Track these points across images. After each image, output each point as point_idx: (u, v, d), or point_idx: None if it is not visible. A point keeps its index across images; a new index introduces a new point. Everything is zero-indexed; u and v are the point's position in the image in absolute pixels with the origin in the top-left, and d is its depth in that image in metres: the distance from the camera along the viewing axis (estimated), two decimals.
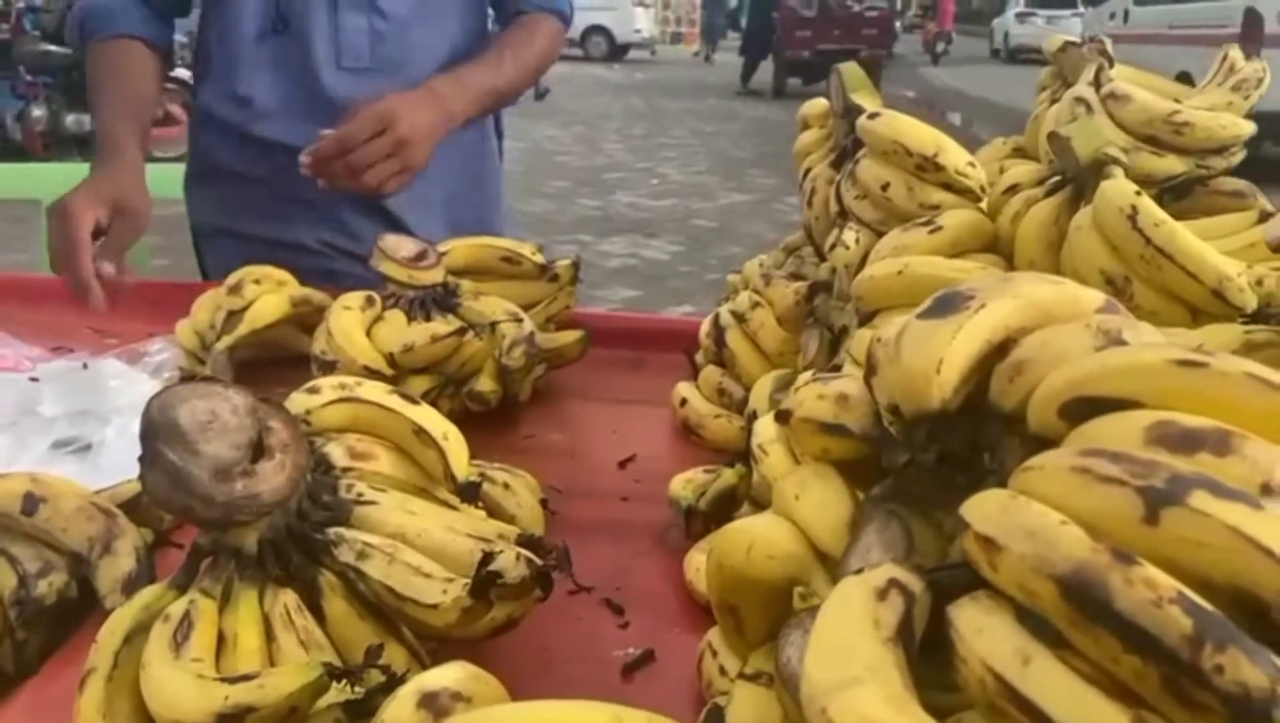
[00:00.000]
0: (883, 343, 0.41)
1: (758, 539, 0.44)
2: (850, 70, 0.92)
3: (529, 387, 1.03)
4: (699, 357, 1.05)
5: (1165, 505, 0.30)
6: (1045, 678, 0.30)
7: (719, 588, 0.47)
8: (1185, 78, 1.05)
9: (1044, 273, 0.75)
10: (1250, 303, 0.68)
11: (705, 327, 1.04)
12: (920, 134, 0.83)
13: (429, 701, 0.39)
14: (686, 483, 0.82)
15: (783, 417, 0.45)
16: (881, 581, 0.35)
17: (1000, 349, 0.39)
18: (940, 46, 19.81)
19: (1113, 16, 10.02)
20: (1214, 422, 0.34)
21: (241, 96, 1.39)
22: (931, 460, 0.40)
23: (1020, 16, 20.77)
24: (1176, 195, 0.89)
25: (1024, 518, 0.31)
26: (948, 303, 0.40)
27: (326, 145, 1.21)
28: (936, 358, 0.38)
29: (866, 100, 0.90)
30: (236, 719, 0.48)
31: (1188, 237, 0.68)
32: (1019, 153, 1.05)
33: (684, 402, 1.00)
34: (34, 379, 0.90)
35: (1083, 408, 0.36)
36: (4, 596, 0.62)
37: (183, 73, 5.68)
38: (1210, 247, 0.69)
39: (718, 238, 6.04)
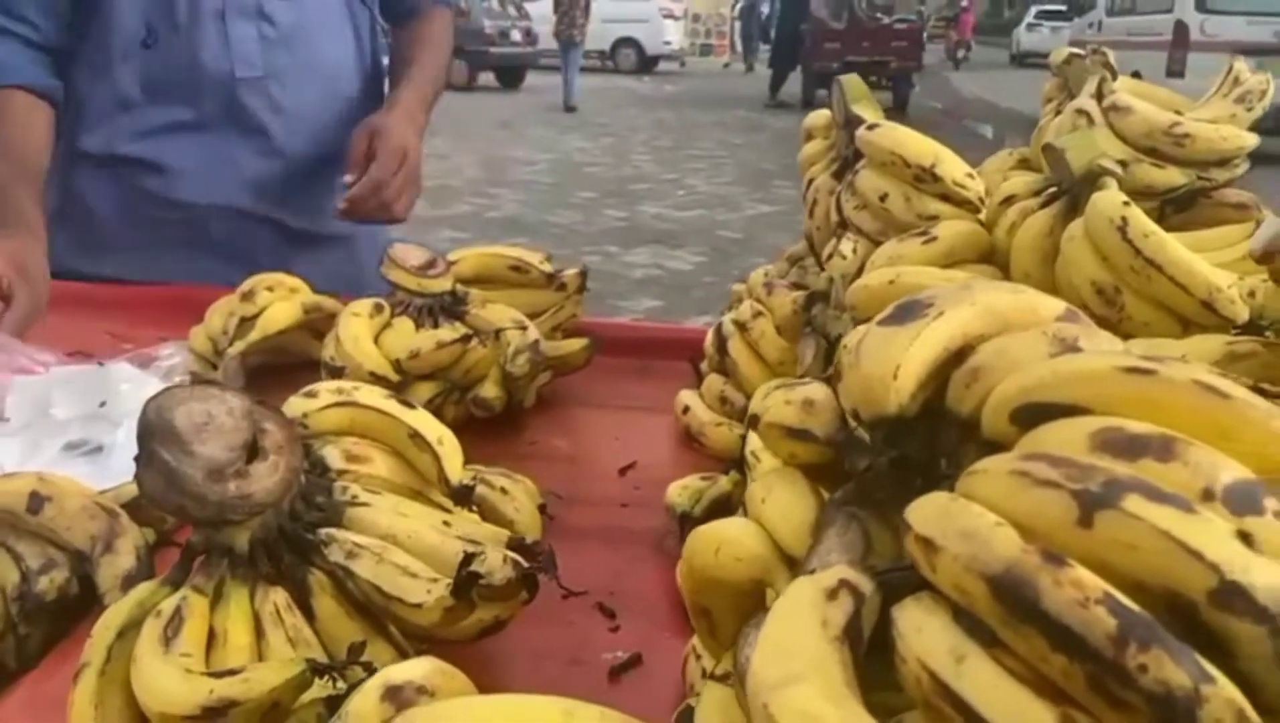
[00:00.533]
0: (847, 349, 0.42)
1: (725, 541, 0.45)
2: (851, 82, 0.93)
3: (533, 393, 1.04)
4: (704, 365, 1.06)
5: (1099, 508, 0.31)
6: (977, 677, 0.30)
7: (691, 590, 0.48)
8: (1136, 76, 1.10)
9: (1033, 284, 0.75)
10: (1241, 314, 0.68)
11: (710, 335, 1.05)
12: (918, 145, 0.84)
13: (393, 693, 0.40)
14: (683, 490, 0.83)
15: (753, 422, 0.46)
16: (832, 581, 0.36)
17: (958, 356, 0.40)
18: (960, 53, 22.58)
19: (1091, 25, 12.25)
20: (1159, 428, 0.34)
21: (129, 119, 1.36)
22: (890, 465, 0.40)
23: (1030, 26, 24.51)
24: (1179, 207, 0.89)
25: (961, 520, 0.32)
26: (907, 310, 0.41)
27: (362, 191, 1.26)
28: (894, 364, 0.39)
29: (867, 111, 0.91)
30: (221, 712, 0.49)
31: (1177, 248, 0.68)
32: (1024, 164, 1.06)
33: (686, 409, 1.00)
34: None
35: (1032, 414, 0.36)
36: (7, 591, 0.64)
37: None
38: (1201, 258, 0.70)
39: (742, 249, 6.04)
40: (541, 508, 0.82)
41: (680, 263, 5.76)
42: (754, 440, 0.74)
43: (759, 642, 0.35)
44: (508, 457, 0.98)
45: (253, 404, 0.61)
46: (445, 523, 0.66)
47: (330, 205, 1.42)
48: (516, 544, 0.64)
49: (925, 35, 15.91)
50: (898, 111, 14.08)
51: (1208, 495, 0.33)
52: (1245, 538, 0.31)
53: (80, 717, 0.53)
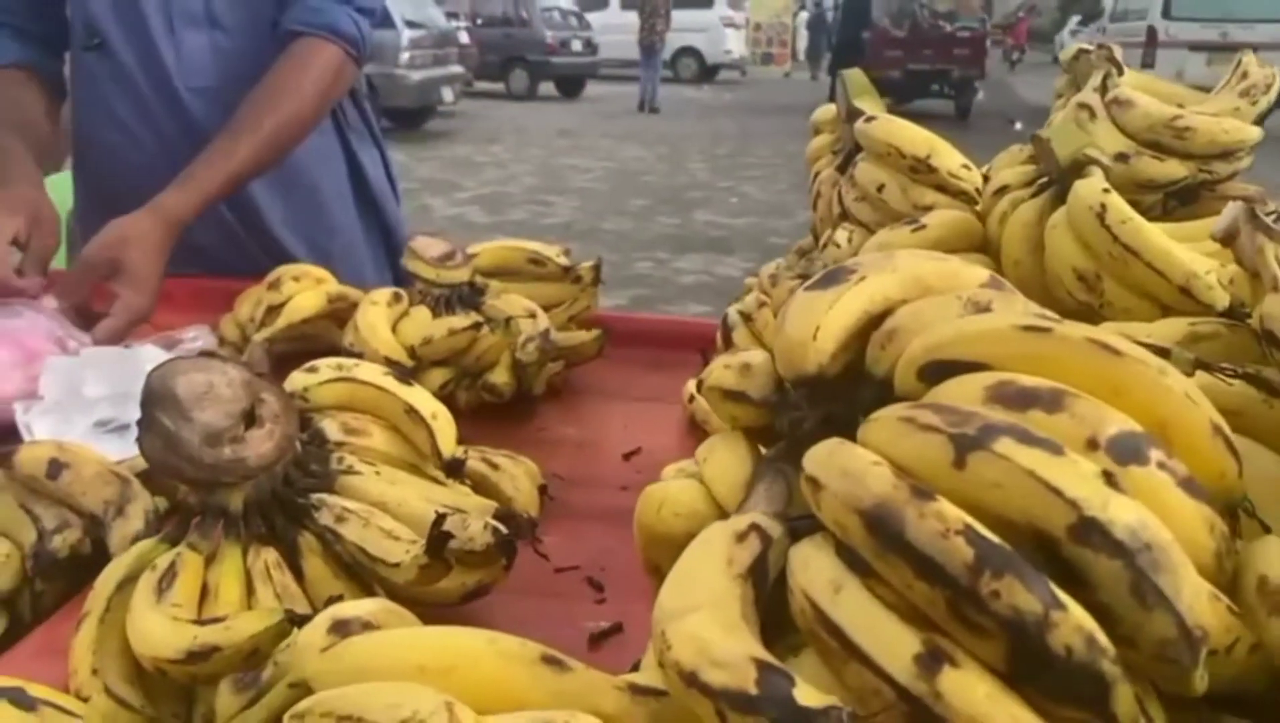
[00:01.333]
0: (778, 313, 0.44)
1: (667, 499, 0.47)
2: (854, 76, 0.95)
3: (543, 381, 1.07)
4: (713, 356, 1.08)
5: (972, 450, 0.33)
6: (851, 605, 0.32)
7: (641, 547, 0.50)
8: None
9: (1022, 272, 0.76)
10: (1220, 301, 0.68)
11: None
12: (913, 136, 0.86)
13: (340, 626, 0.43)
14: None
15: (699, 387, 0.48)
16: (743, 525, 0.38)
17: (879, 319, 0.42)
18: (1015, 56, 27.36)
19: (1100, 30, 15.09)
20: (1051, 382, 0.36)
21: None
22: (814, 423, 0.42)
23: (1072, 32, 26.87)
24: (1182, 200, 0.90)
25: (842, 460, 0.34)
26: (832, 277, 0.43)
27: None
28: (814, 325, 0.41)
29: (868, 105, 0.93)
30: (204, 657, 0.53)
31: (1155, 234, 0.69)
32: (1034, 160, 1.06)
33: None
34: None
35: (937, 370, 0.38)
36: (25, 550, 0.68)
37: None
38: (1184, 247, 0.70)
39: None
40: (542, 489, 0.85)
41: (730, 269, 5.78)
42: None
43: (669, 578, 0.37)
44: (516, 441, 1.01)
45: (252, 376, 0.65)
46: (435, 493, 0.69)
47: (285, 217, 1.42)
48: (501, 515, 0.67)
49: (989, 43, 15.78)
50: (959, 120, 13.94)
51: (1092, 445, 0.35)
52: (1110, 479, 0.32)
53: (80, 660, 0.56)
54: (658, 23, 15.41)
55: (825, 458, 0.34)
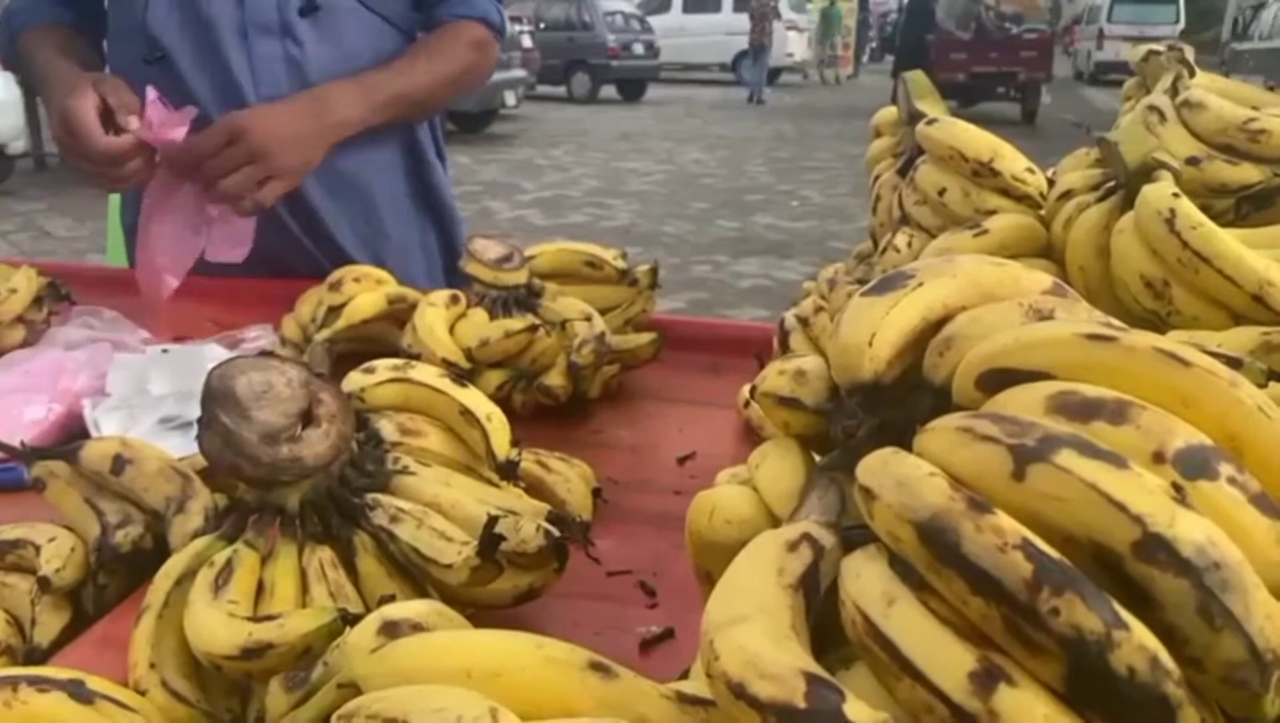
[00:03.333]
0: (834, 319, 0.43)
1: (719, 505, 0.46)
2: (916, 78, 0.93)
3: (599, 384, 1.07)
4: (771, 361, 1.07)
5: (1032, 462, 0.32)
6: (904, 619, 0.32)
7: (693, 554, 0.50)
8: None
9: (1088, 278, 0.75)
10: None
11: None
12: (976, 139, 0.84)
13: (389, 627, 0.43)
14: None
15: (752, 392, 0.47)
16: (795, 534, 0.38)
17: (937, 326, 0.41)
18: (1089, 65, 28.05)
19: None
20: (1115, 392, 0.35)
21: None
22: (869, 431, 0.42)
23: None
24: (1257, 205, 0.87)
25: (897, 469, 0.33)
26: (889, 282, 0.42)
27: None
28: (870, 332, 0.40)
29: (930, 107, 0.91)
30: (258, 654, 0.53)
31: (1227, 241, 0.67)
32: (1101, 163, 1.04)
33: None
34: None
35: (997, 379, 0.37)
36: (89, 543, 0.69)
37: None
38: (1258, 253, 0.68)
39: None
40: (596, 492, 0.85)
41: (789, 273, 5.75)
42: None
43: (718, 587, 0.37)
44: (571, 444, 1.01)
45: (310, 376, 0.66)
46: (489, 495, 0.69)
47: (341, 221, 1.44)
48: (554, 517, 0.67)
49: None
50: (1026, 123, 13.73)
51: (1159, 458, 0.33)
52: (1177, 494, 0.31)
53: (139, 654, 0.57)
54: (767, 25, 17.46)
55: (879, 467, 0.34)
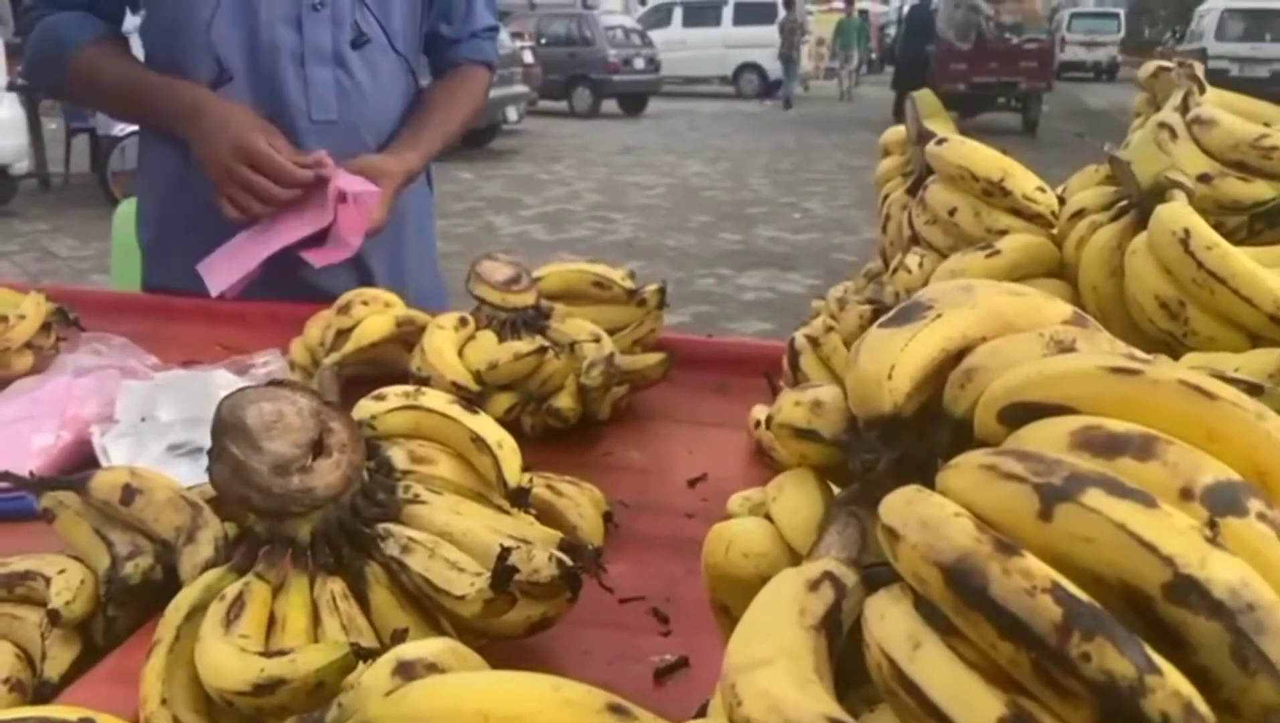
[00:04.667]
0: (851, 350, 0.43)
1: (735, 539, 0.46)
2: (925, 97, 0.93)
3: (608, 405, 1.07)
4: (780, 381, 1.07)
5: (1059, 501, 0.31)
6: (931, 663, 0.31)
7: (709, 587, 0.49)
8: None
9: (1101, 298, 0.74)
10: None
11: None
12: (986, 159, 0.84)
13: (404, 668, 0.42)
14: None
15: (767, 422, 0.47)
16: (816, 573, 0.37)
17: (957, 357, 0.41)
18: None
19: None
20: (1140, 427, 0.34)
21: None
22: (888, 464, 0.41)
23: None
24: (1271, 221, 0.87)
25: (922, 509, 0.32)
26: (907, 312, 0.41)
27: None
28: (889, 364, 0.40)
29: (940, 127, 0.91)
30: (270, 689, 0.53)
31: (1242, 261, 0.66)
32: (1111, 179, 1.04)
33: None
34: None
35: (1019, 413, 0.37)
36: (99, 575, 0.69)
37: None
38: (1271, 271, 0.68)
39: (856, 272, 5.96)
40: (607, 516, 0.84)
41: (793, 286, 5.75)
42: None
43: (738, 628, 0.36)
44: (581, 466, 1.01)
45: (320, 405, 0.65)
46: (500, 523, 0.69)
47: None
48: (566, 546, 0.66)
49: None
50: (1027, 132, 13.74)
51: (1187, 495, 0.33)
52: (1210, 532, 0.31)
53: (150, 689, 0.57)
54: (796, 39, 19.01)
55: (903, 507, 0.33)
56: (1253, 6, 17.34)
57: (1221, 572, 0.29)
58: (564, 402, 1.02)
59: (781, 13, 19.57)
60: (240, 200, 1.32)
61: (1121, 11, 29.29)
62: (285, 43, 1.40)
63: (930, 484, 0.41)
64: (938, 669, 0.31)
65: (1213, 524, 0.31)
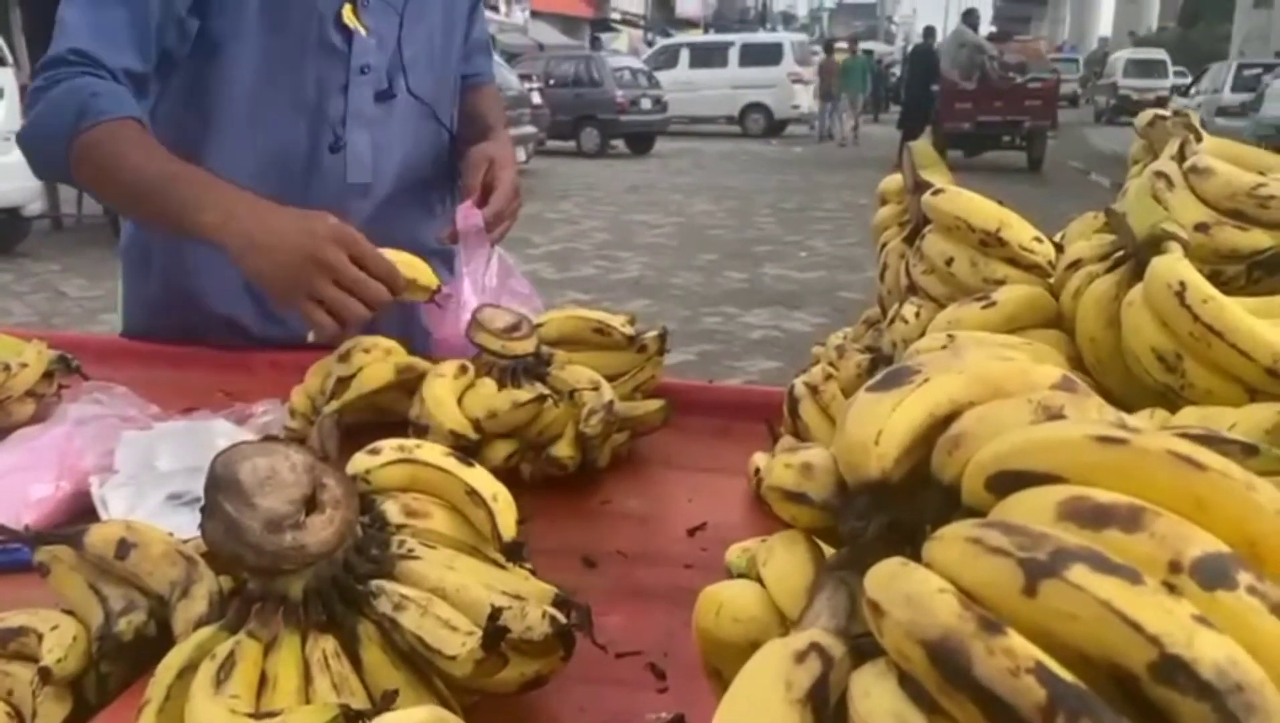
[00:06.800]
0: (839, 414, 0.43)
1: (725, 602, 0.45)
2: (921, 148, 0.93)
3: (608, 453, 1.06)
4: (780, 427, 1.06)
5: (1044, 577, 0.31)
6: None
7: (702, 651, 0.49)
8: None
9: (1099, 349, 0.74)
10: None
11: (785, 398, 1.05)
12: (983, 209, 0.84)
13: None
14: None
15: (759, 484, 0.47)
16: (802, 644, 0.37)
17: (945, 422, 0.40)
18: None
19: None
20: (1128, 498, 0.34)
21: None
22: (876, 530, 0.41)
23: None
24: (1269, 270, 0.86)
25: (905, 585, 0.32)
26: (894, 377, 0.41)
27: (490, 219, 1.36)
28: (876, 429, 0.40)
29: (936, 177, 0.91)
30: None
31: (1238, 314, 0.66)
32: (1109, 229, 1.04)
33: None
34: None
35: (1007, 481, 0.37)
36: (92, 631, 0.68)
37: None
38: (1268, 324, 0.67)
39: (862, 310, 5.99)
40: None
41: (799, 324, 5.75)
42: None
43: (724, 701, 0.36)
44: (580, 514, 1.01)
45: (314, 460, 0.65)
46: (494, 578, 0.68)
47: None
48: (560, 602, 0.66)
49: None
50: (1032, 171, 13.79)
51: (1175, 568, 0.33)
52: (1199, 613, 0.30)
53: None
54: (832, 81, 20.20)
55: (888, 581, 0.33)
56: (1143, 58, 30.52)
57: (1209, 651, 0.29)
58: (563, 450, 1.01)
59: (820, 55, 21.63)
60: (340, 304, 1.11)
61: (1080, 59, 41.89)
62: (334, 109, 1.40)
63: (918, 551, 0.41)
64: None
65: (1198, 602, 0.30)
